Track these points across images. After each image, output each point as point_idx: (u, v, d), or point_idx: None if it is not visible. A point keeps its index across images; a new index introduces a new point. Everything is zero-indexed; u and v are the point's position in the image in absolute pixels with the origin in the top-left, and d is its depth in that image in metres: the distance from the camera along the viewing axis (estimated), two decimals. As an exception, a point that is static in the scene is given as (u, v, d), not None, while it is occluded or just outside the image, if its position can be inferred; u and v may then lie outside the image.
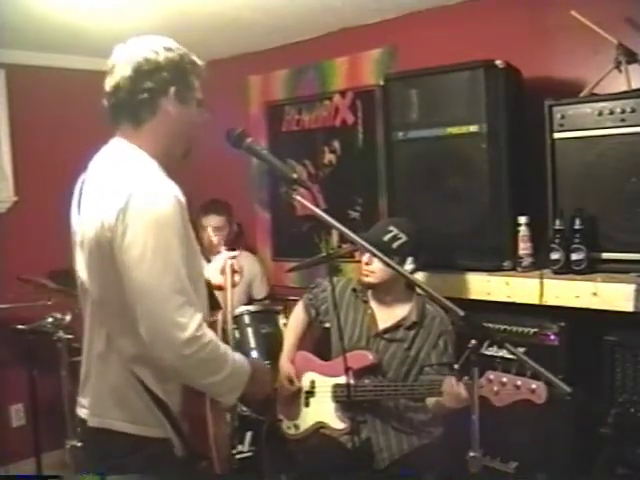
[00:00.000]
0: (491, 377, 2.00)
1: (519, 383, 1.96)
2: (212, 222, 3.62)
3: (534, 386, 1.93)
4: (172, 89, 1.66)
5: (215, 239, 2.34)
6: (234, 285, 2.07)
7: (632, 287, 2.26)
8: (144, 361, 1.60)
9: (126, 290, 1.53)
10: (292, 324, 2.88)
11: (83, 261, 1.67)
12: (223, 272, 2.04)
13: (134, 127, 1.66)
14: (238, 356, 1.68)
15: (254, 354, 3.18)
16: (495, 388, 1.99)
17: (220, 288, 2.03)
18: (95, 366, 1.69)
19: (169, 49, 1.67)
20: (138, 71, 1.62)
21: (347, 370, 2.09)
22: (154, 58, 1.63)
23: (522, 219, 2.62)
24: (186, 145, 1.76)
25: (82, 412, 1.73)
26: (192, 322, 1.52)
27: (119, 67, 1.64)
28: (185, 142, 1.75)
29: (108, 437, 1.65)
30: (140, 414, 1.63)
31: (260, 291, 3.84)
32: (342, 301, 2.69)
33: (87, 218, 1.63)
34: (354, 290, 2.70)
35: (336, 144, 3.79)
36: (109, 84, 1.66)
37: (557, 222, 2.51)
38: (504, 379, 1.99)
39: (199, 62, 1.74)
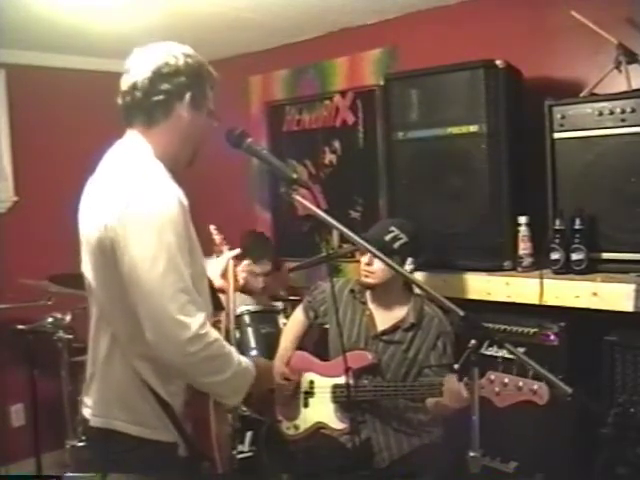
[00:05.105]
0: (492, 377, 1.99)
1: (521, 384, 1.95)
2: (261, 269, 3.43)
3: (536, 387, 1.92)
4: (188, 94, 1.68)
5: (217, 238, 2.30)
6: (236, 287, 2.06)
7: (632, 287, 2.26)
8: (148, 363, 1.61)
9: (129, 290, 1.54)
10: (290, 326, 2.88)
11: (89, 262, 1.68)
12: (225, 274, 2.03)
13: (146, 127, 1.68)
14: (243, 358, 1.69)
15: (254, 354, 3.17)
16: (496, 389, 1.98)
17: (222, 291, 2.03)
18: (100, 367, 1.69)
19: (189, 56, 1.70)
20: (157, 73, 1.64)
21: (347, 370, 2.09)
22: (174, 62, 1.66)
23: (522, 219, 2.62)
24: (193, 151, 1.77)
25: (85, 411, 1.74)
26: (195, 321, 1.52)
27: (138, 67, 1.66)
28: (192, 148, 1.76)
29: (110, 437, 1.65)
30: (144, 416, 1.64)
31: None
32: (340, 302, 2.67)
33: (92, 218, 1.64)
34: (352, 291, 2.69)
35: (337, 144, 3.79)
36: (126, 83, 1.67)
37: (557, 222, 2.51)
38: (505, 380, 1.97)
39: (215, 73, 1.77)
